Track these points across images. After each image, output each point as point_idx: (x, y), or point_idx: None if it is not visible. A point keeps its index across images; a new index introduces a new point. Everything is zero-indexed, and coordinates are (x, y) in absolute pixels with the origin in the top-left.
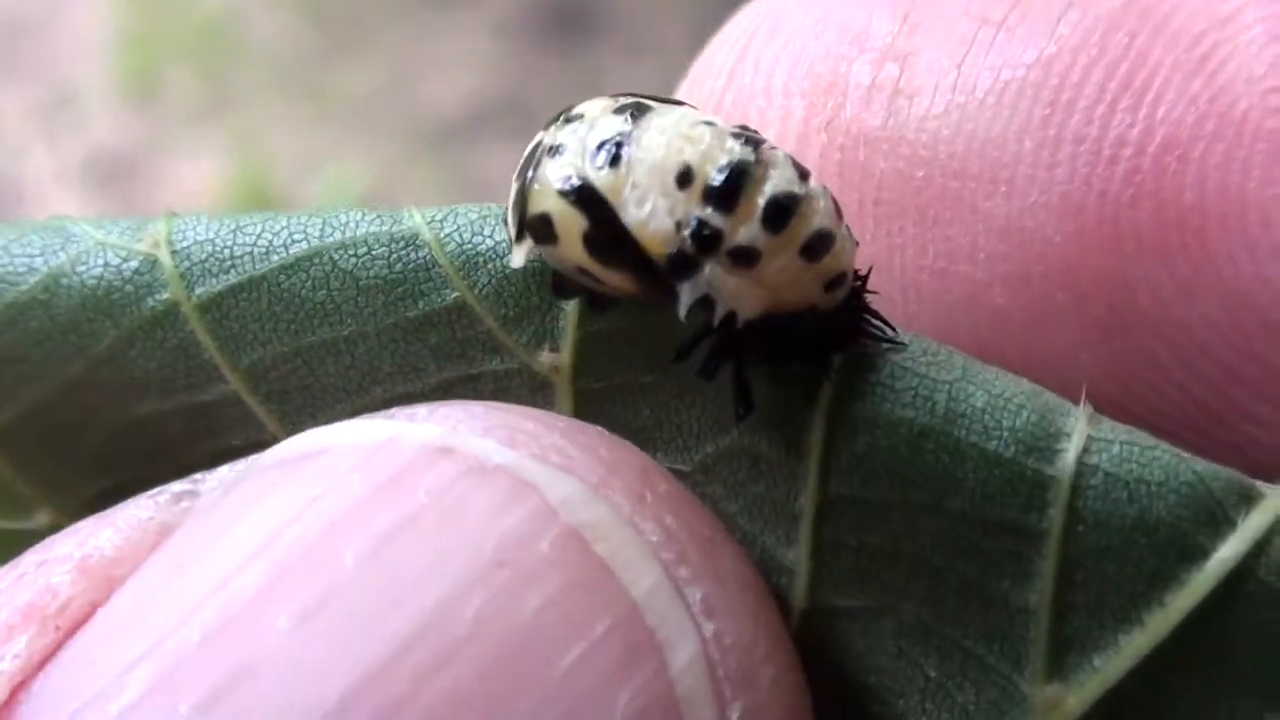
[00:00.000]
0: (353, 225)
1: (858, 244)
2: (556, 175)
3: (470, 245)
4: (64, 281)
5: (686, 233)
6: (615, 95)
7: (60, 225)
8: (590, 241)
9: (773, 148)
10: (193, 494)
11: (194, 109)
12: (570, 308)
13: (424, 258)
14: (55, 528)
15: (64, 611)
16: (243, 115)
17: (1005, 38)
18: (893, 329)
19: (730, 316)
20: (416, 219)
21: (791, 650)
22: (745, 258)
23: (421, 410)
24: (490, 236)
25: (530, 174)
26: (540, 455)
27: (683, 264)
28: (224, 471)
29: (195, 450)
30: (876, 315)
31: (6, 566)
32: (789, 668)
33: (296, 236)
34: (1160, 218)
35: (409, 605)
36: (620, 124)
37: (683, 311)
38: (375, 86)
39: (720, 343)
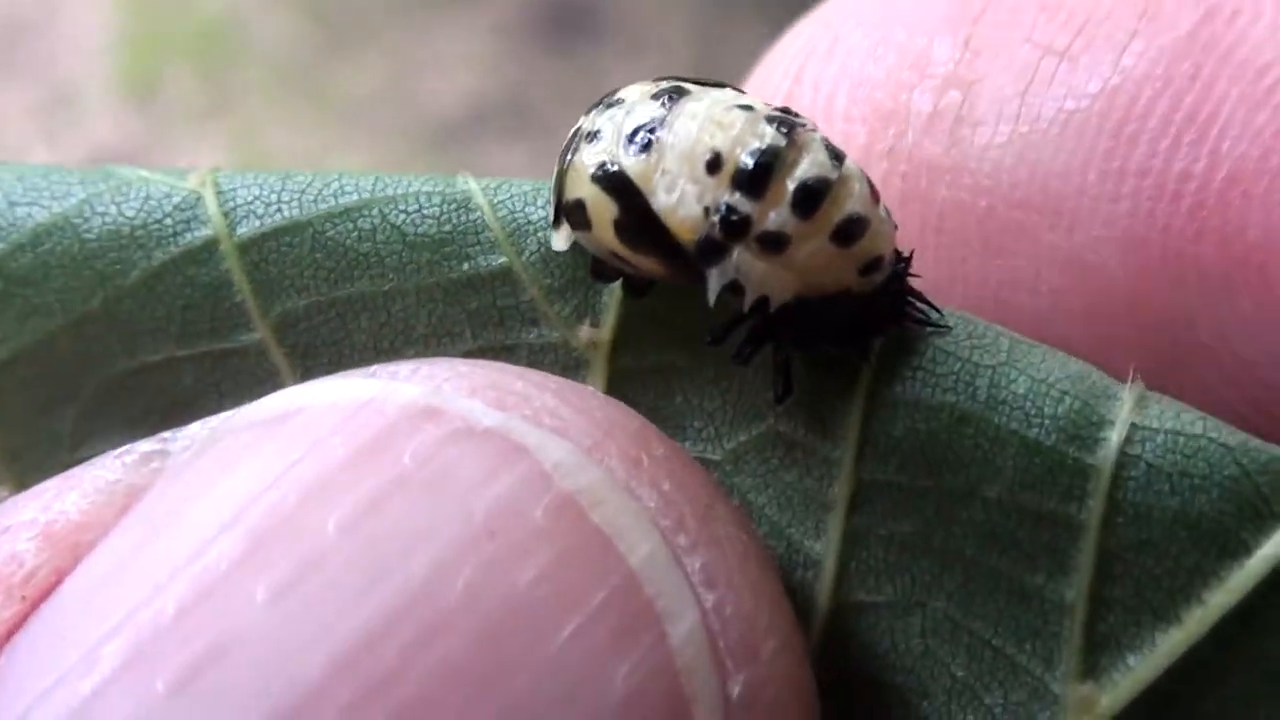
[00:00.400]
0: (405, 183)
1: (897, 226)
2: (590, 161)
3: (523, 214)
4: (100, 207)
5: (715, 219)
6: (658, 79)
7: (103, 169)
8: (621, 228)
9: (811, 129)
10: (162, 454)
11: (194, 109)
12: (616, 285)
13: (475, 220)
14: None
15: (29, 581)
16: (243, 115)
17: (1068, 67)
18: (937, 310)
19: (763, 302)
20: (472, 184)
21: (794, 622)
22: (774, 243)
23: (404, 368)
24: (542, 208)
25: (568, 159)
26: (532, 417)
27: (711, 250)
28: (195, 428)
29: (197, 412)
30: (919, 297)
31: None
32: (791, 640)
33: (348, 189)
34: (1224, 253)
35: (395, 577)
36: (655, 109)
37: (711, 297)
38: (375, 86)
39: (755, 327)
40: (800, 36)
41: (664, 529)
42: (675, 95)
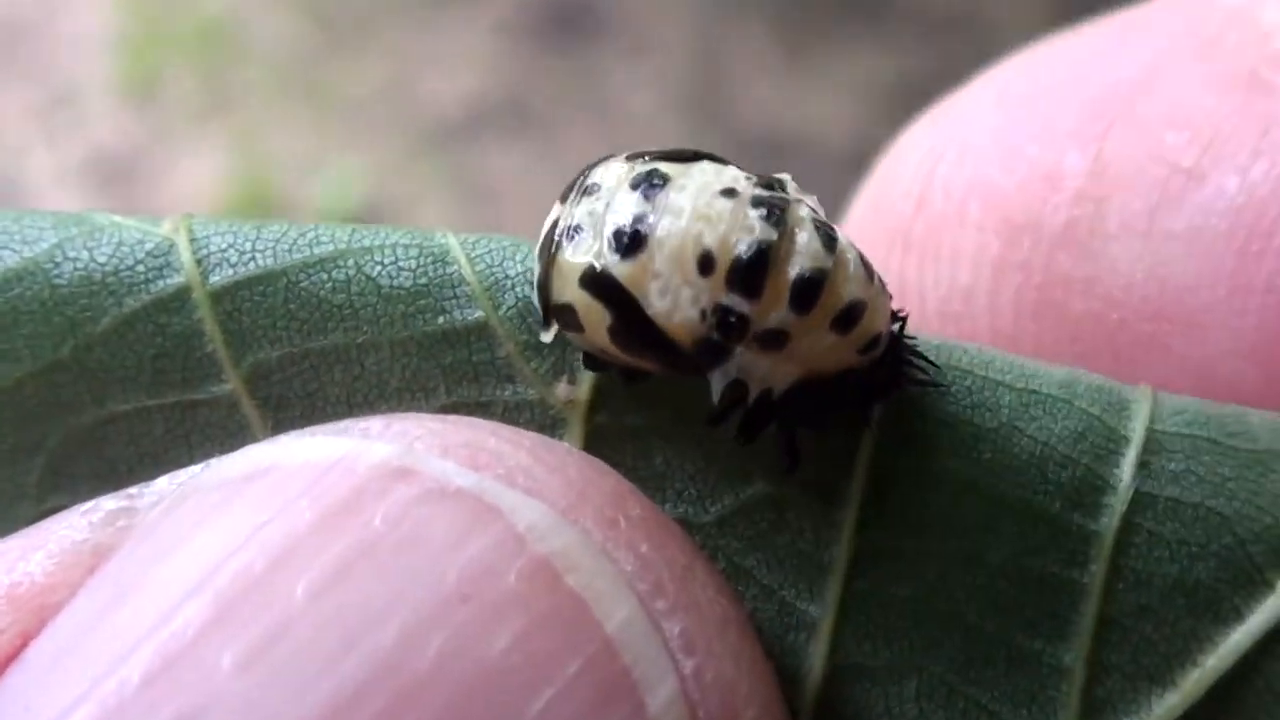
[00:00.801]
0: (383, 235)
1: (891, 296)
2: (577, 264)
3: (500, 268)
4: (72, 253)
5: (712, 320)
6: (631, 157)
7: (75, 213)
8: (614, 333)
9: (797, 200)
10: (129, 510)
11: (194, 109)
12: None
13: (452, 274)
14: None
15: None
16: (243, 115)
17: (1195, 186)
18: (935, 366)
19: (765, 393)
20: (450, 239)
21: (774, 688)
22: (774, 340)
23: (375, 424)
24: (521, 262)
25: (550, 256)
26: (505, 477)
27: (711, 351)
28: (163, 483)
29: (166, 465)
30: (918, 355)
31: None
32: (771, 706)
33: (323, 239)
34: None
35: (365, 644)
36: (637, 203)
37: (715, 396)
38: (375, 86)
39: (755, 410)
40: (926, 137)
41: (641, 593)
42: (656, 183)
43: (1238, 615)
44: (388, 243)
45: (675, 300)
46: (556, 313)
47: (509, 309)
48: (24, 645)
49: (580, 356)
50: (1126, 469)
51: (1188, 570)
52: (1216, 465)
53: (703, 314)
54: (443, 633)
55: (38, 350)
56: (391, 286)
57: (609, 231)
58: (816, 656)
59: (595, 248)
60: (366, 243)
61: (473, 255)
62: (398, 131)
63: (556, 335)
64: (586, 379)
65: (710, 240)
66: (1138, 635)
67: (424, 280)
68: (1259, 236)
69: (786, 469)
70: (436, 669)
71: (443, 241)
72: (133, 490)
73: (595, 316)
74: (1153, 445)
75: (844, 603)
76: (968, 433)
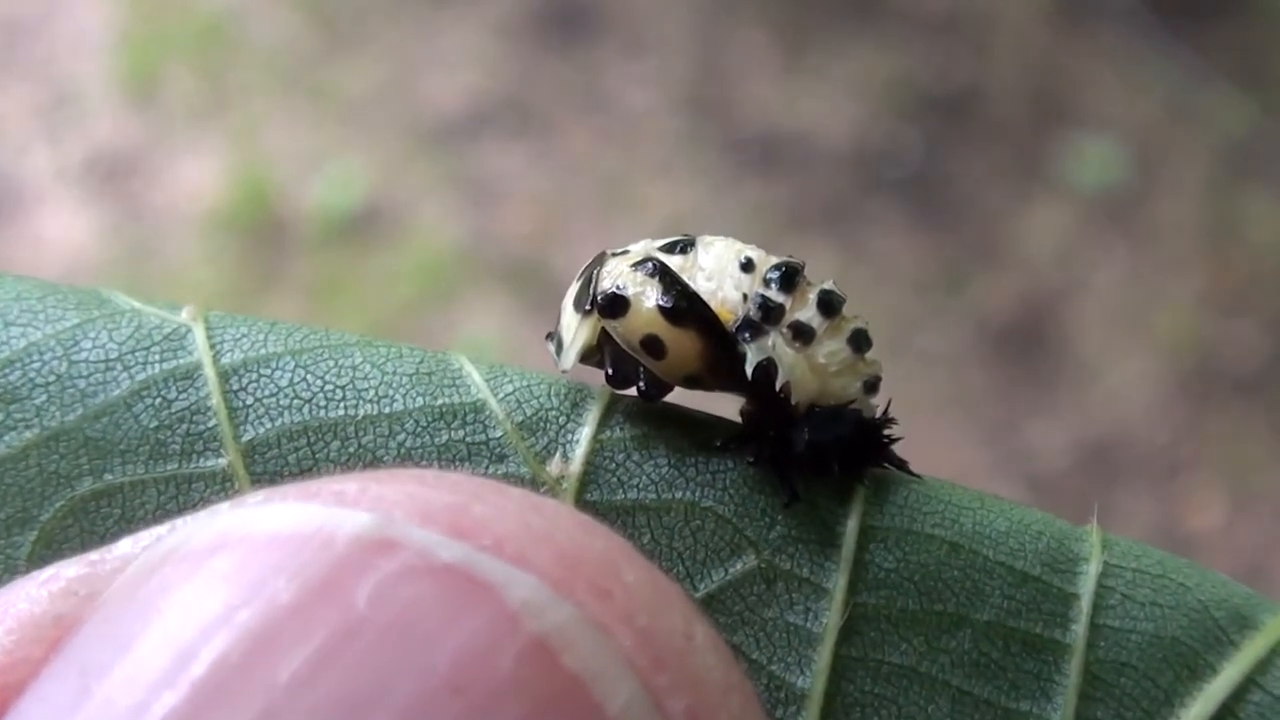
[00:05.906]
0: (390, 342)
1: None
2: (627, 261)
3: (500, 370)
4: (92, 331)
5: (753, 305)
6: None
7: (96, 291)
8: (663, 307)
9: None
10: (90, 578)
11: (194, 109)
12: (587, 424)
13: (455, 367)
14: None
15: None
16: (243, 115)
17: None
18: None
19: (785, 395)
20: (460, 357)
21: None
22: (803, 333)
23: (351, 488)
24: (517, 373)
25: (596, 265)
26: (493, 548)
27: (749, 327)
28: (125, 546)
29: None
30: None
31: None
32: None
33: (334, 337)
34: None
35: None
36: (679, 236)
37: (750, 366)
38: (375, 85)
39: (765, 429)
40: None
41: (641, 669)
42: (688, 238)
43: (1212, 670)
44: (395, 345)
45: (720, 284)
46: (604, 300)
47: (507, 396)
48: None
49: (573, 437)
50: (1094, 542)
51: (1163, 627)
52: (1169, 559)
53: (744, 297)
54: None
55: (46, 418)
56: (395, 371)
57: (656, 246)
58: None
59: (645, 252)
60: (376, 343)
61: (475, 360)
62: (398, 131)
63: (583, 350)
64: (579, 455)
65: (751, 253)
66: (1119, 690)
67: (427, 368)
68: None
69: (787, 502)
70: None
71: (447, 354)
72: (93, 556)
73: (643, 299)
74: (1110, 540)
75: (833, 672)
76: (949, 509)
